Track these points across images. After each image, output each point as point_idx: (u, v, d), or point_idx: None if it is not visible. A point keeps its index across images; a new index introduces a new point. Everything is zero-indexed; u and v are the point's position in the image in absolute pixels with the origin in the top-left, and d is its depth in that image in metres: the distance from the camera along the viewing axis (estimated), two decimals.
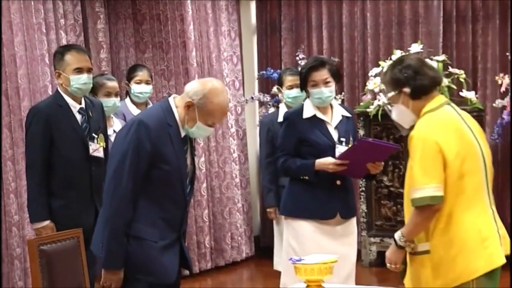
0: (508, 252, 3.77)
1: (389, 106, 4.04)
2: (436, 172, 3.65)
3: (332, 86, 5.17)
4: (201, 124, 4.08)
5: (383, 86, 7.82)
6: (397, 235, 3.79)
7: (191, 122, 4.09)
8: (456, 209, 3.68)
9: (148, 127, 4.02)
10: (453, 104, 3.92)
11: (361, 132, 7.83)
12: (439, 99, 3.87)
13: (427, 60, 7.69)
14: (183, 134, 4.14)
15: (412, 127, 3.87)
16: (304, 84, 5.22)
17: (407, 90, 3.83)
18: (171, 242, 4.15)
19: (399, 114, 3.94)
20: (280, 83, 6.63)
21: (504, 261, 3.72)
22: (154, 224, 4.08)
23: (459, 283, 3.65)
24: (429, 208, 3.65)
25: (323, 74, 5.15)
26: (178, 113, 4.11)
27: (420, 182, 3.66)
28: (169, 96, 4.29)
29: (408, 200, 3.80)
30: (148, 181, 4.04)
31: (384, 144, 5.06)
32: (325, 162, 5.06)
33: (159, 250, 4.09)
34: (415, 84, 3.82)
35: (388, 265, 3.89)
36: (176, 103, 4.13)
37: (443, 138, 3.69)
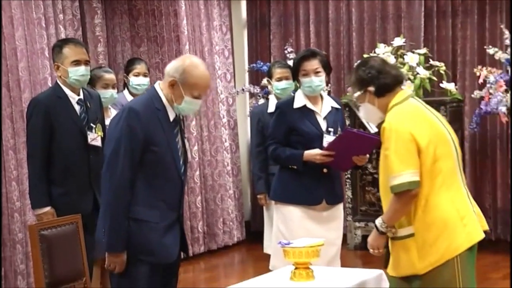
0: (485, 228, 3.82)
1: (356, 106, 4.06)
2: (411, 159, 3.67)
3: (322, 76, 5.15)
4: (189, 98, 4.06)
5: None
6: (378, 221, 3.81)
7: (178, 99, 4.06)
8: (434, 192, 3.71)
9: (138, 113, 4.00)
10: (416, 97, 3.97)
11: (347, 122, 7.83)
12: (403, 93, 3.90)
13: (409, 53, 7.84)
14: (171, 117, 4.11)
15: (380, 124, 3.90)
16: (295, 74, 5.21)
17: (372, 88, 3.86)
18: (171, 223, 4.14)
19: (367, 112, 3.97)
20: (269, 75, 6.61)
21: (482, 235, 3.76)
22: (153, 206, 4.05)
23: (443, 261, 3.67)
24: (408, 194, 3.67)
25: (314, 64, 5.14)
26: (164, 95, 4.09)
27: (398, 170, 3.67)
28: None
29: (384, 188, 3.84)
30: (143, 164, 4.01)
31: (368, 135, 5.07)
32: (312, 153, 5.05)
33: (160, 231, 4.07)
34: (379, 82, 3.85)
35: (370, 250, 3.91)
36: (161, 87, 4.12)
37: (414, 127, 3.72)
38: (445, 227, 3.68)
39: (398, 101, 3.84)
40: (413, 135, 3.69)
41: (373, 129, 4.19)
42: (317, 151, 5.03)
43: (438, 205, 3.69)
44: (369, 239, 3.91)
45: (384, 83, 3.85)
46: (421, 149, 3.68)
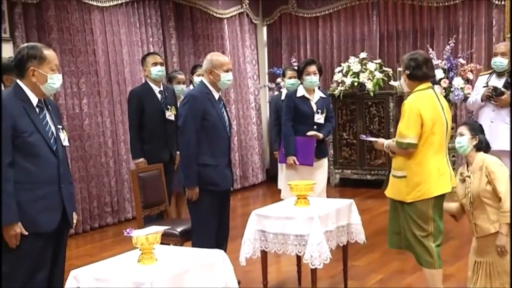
0: (454, 185, 3.62)
1: (400, 75, 3.87)
2: (414, 128, 3.54)
3: (317, 76, 5.08)
4: (223, 73, 3.97)
5: (343, 79, 7.75)
6: (387, 142, 3.72)
7: (217, 78, 3.98)
8: (426, 154, 3.57)
9: (195, 96, 3.97)
10: (435, 89, 3.73)
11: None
12: (425, 85, 3.66)
13: (370, 62, 7.66)
14: (216, 97, 4.02)
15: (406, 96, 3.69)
16: (301, 73, 5.12)
17: (407, 72, 3.65)
18: (225, 165, 4.06)
19: (403, 83, 3.73)
20: (283, 75, 6.50)
21: (449, 189, 3.62)
22: (212, 154, 3.97)
23: (422, 198, 3.56)
24: (405, 149, 3.58)
25: (313, 68, 5.06)
26: (208, 83, 4.01)
27: (404, 133, 3.57)
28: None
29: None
30: (203, 128, 3.94)
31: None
32: (291, 159, 5.05)
33: (219, 169, 3.99)
34: (413, 72, 3.64)
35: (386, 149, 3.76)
36: (205, 78, 4.04)
37: (422, 107, 3.56)
38: (428, 177, 3.55)
39: (420, 89, 3.63)
40: (420, 112, 3.53)
41: (401, 91, 3.93)
42: (293, 158, 5.03)
43: (427, 162, 3.56)
44: (377, 144, 3.81)
45: (415, 74, 3.63)
46: (423, 122, 3.53)
